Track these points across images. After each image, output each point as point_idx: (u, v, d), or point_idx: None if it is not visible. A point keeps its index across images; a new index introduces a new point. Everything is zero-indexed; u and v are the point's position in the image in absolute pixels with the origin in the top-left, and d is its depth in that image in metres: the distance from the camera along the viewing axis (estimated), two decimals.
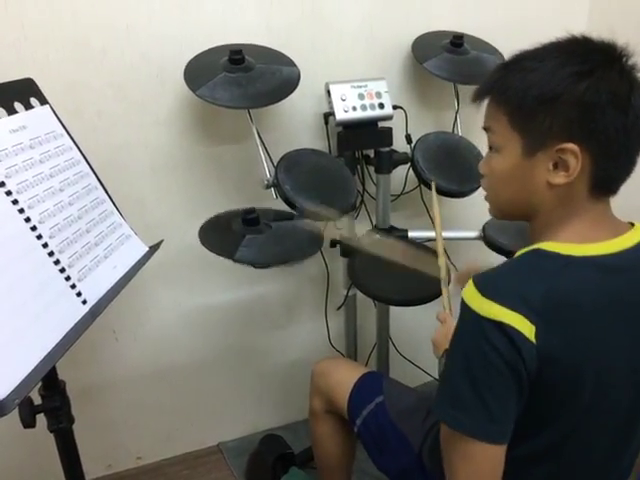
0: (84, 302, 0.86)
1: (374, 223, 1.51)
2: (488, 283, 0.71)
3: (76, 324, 0.82)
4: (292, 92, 1.23)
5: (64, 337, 0.78)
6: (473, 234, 1.47)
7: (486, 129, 0.79)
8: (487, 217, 1.46)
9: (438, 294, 1.19)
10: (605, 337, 0.71)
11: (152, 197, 1.43)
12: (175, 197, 1.45)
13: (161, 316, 1.54)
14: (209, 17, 1.32)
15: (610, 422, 0.76)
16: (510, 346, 0.66)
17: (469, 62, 1.42)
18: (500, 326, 0.66)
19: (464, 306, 0.71)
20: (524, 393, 0.69)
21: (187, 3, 1.29)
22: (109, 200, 1.03)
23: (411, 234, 1.48)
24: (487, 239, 1.41)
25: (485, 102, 0.79)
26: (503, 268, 0.75)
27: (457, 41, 1.43)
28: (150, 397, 1.60)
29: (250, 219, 1.12)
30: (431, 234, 1.51)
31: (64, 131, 0.97)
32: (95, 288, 0.89)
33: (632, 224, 0.78)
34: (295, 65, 1.28)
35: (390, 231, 1.48)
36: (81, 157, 0.99)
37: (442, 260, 1.12)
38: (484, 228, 1.44)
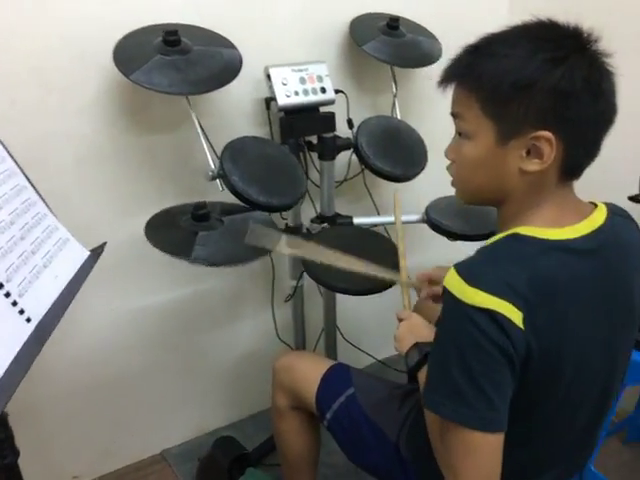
0: (28, 320, 0.75)
1: (319, 211, 1.47)
2: (472, 271, 0.70)
3: (23, 346, 0.71)
4: (236, 76, 1.15)
5: (13, 363, 0.68)
6: (416, 217, 1.48)
7: (455, 115, 0.77)
8: (428, 200, 1.50)
9: (389, 284, 1.19)
10: (584, 318, 0.73)
11: (77, 193, 1.29)
12: (104, 192, 1.32)
13: (93, 323, 1.41)
14: None
15: (588, 399, 0.79)
16: (500, 332, 0.66)
17: (406, 45, 1.41)
18: (489, 313, 0.66)
19: (449, 296, 0.70)
20: (516, 378, 0.69)
21: None
22: (41, 201, 0.91)
23: (356, 220, 1.46)
24: (431, 222, 1.42)
25: (451, 87, 0.78)
26: (484, 255, 0.74)
27: (393, 23, 1.41)
28: (84, 411, 1.47)
29: (201, 215, 1.04)
30: (376, 220, 1.52)
31: None
32: (38, 303, 0.79)
33: (594, 204, 0.80)
34: (235, 47, 1.20)
35: (335, 219, 1.45)
36: (6, 154, 0.86)
37: (403, 262, 1.10)
38: (427, 211, 1.45)
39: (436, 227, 1.42)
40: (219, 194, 1.39)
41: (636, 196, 1.30)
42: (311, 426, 1.16)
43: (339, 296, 1.61)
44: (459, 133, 0.77)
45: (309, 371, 1.10)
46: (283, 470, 1.23)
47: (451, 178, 0.84)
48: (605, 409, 0.83)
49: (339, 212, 1.49)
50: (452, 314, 0.70)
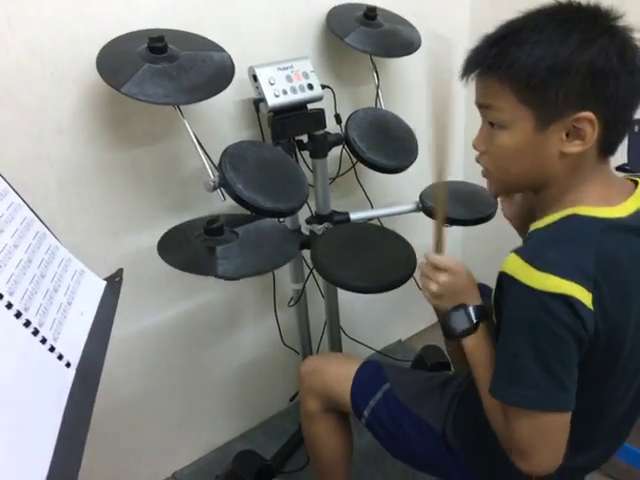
0: (68, 365, 0.70)
1: (314, 210, 1.44)
2: (539, 256, 0.69)
3: (71, 395, 0.66)
4: (231, 79, 1.10)
5: (67, 418, 0.62)
6: (410, 207, 1.48)
7: (484, 106, 0.76)
8: (419, 189, 1.49)
9: (408, 277, 1.17)
10: (637, 296, 0.74)
11: (62, 218, 1.21)
12: (90, 215, 1.24)
13: None
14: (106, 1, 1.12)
15: (637, 378, 0.81)
16: (574, 316, 0.67)
17: (386, 34, 1.39)
18: (562, 298, 0.66)
19: (515, 283, 0.70)
20: (581, 357, 0.70)
21: None
22: (50, 232, 0.84)
23: (352, 216, 1.44)
24: (428, 210, 1.42)
25: (472, 79, 0.77)
26: (546, 238, 0.74)
27: (371, 13, 1.39)
28: (91, 445, 1.39)
29: (214, 229, 0.99)
30: (372, 213, 1.50)
31: None
32: (72, 345, 0.73)
33: (634, 181, 0.80)
34: (223, 49, 1.15)
35: (332, 217, 1.43)
36: (7, 186, 0.79)
37: (440, 192, 0.93)
38: (422, 200, 1.45)
39: (432, 214, 1.42)
40: (212, 205, 1.35)
41: (623, 165, 1.34)
42: (344, 426, 1.15)
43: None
44: (491, 124, 0.76)
45: (340, 371, 1.08)
46: (317, 474, 1.21)
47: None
48: None
49: (334, 209, 1.46)
50: (521, 302, 0.70)
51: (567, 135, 0.71)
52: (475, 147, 0.80)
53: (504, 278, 0.72)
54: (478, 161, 0.82)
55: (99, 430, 1.41)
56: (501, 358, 0.73)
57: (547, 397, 0.69)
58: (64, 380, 0.67)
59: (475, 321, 0.82)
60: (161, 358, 1.46)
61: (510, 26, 0.73)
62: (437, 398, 0.99)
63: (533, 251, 0.71)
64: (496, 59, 0.71)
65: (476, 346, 0.81)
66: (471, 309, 0.83)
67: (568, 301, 0.66)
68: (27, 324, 0.65)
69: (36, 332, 0.66)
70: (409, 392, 1.02)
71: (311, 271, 1.45)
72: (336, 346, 1.61)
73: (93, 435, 1.45)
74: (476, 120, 0.82)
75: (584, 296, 0.67)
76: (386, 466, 1.52)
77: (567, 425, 0.71)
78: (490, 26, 0.77)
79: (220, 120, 1.34)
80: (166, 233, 1.07)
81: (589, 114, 0.68)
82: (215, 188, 1.11)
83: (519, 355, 0.69)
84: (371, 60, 1.46)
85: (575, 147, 0.71)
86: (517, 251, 0.71)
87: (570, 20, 0.70)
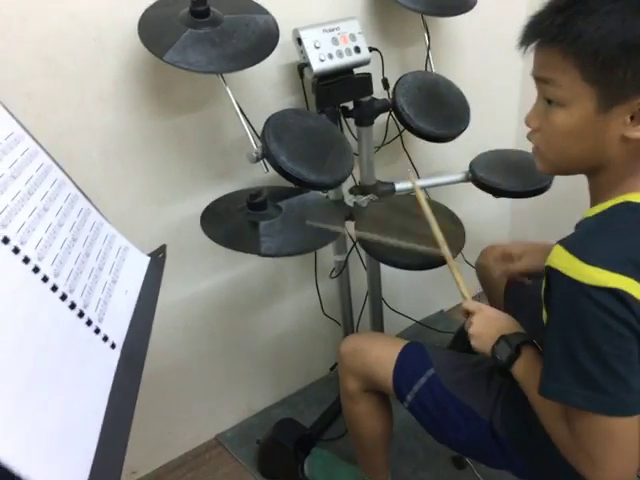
0: (113, 346, 0.69)
1: (358, 180, 1.40)
2: (587, 247, 0.65)
3: (117, 377, 0.66)
4: (276, 44, 1.05)
5: (112, 404, 0.62)
6: (459, 176, 1.41)
7: (543, 80, 0.70)
8: (468, 157, 1.42)
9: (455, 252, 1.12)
10: None
11: (107, 188, 1.20)
12: (135, 184, 1.23)
13: None
14: None
15: None
16: (628, 311, 0.63)
17: None
18: (613, 292, 0.62)
19: (561, 278, 0.65)
20: None
21: None
22: (94, 208, 0.83)
23: (398, 187, 1.39)
24: (478, 181, 1.35)
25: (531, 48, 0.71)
26: (595, 228, 0.70)
27: None
28: (138, 407, 1.43)
29: (257, 203, 0.96)
30: (417, 183, 1.44)
31: (21, 130, 0.75)
32: (117, 325, 0.72)
33: None
34: (267, 11, 1.09)
35: (376, 187, 1.38)
36: (52, 162, 0.77)
37: (445, 248, 1.00)
38: (472, 170, 1.38)
39: (483, 185, 1.36)
40: (254, 174, 1.32)
41: None
42: (385, 406, 1.13)
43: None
44: (548, 100, 0.70)
45: (382, 353, 1.05)
46: (358, 452, 1.21)
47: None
48: None
49: (378, 179, 1.41)
50: (570, 297, 0.65)
51: (632, 118, 0.65)
52: (527, 123, 0.75)
53: (550, 273, 0.68)
54: (529, 138, 0.77)
55: (146, 393, 1.44)
56: (554, 357, 0.69)
57: (613, 400, 0.64)
58: (109, 362, 0.67)
59: (516, 345, 0.79)
60: (204, 325, 1.47)
61: None
62: (484, 387, 0.95)
63: (580, 242, 0.66)
64: (560, 29, 0.65)
65: (525, 370, 0.78)
66: (509, 337, 0.80)
67: (619, 295, 0.62)
68: (72, 306, 0.65)
69: (81, 314, 0.66)
70: (454, 378, 0.98)
71: (354, 243, 1.42)
72: (377, 317, 1.59)
73: (140, 398, 1.49)
74: (532, 89, 0.76)
75: (637, 290, 0.62)
76: (426, 439, 1.50)
77: (636, 429, 0.66)
78: None
79: (262, 86, 1.29)
80: (208, 206, 1.05)
81: None
82: (258, 159, 1.08)
83: (574, 355, 0.65)
84: (422, 19, 1.37)
85: (639, 132, 0.66)
86: (563, 242, 0.67)
87: None
